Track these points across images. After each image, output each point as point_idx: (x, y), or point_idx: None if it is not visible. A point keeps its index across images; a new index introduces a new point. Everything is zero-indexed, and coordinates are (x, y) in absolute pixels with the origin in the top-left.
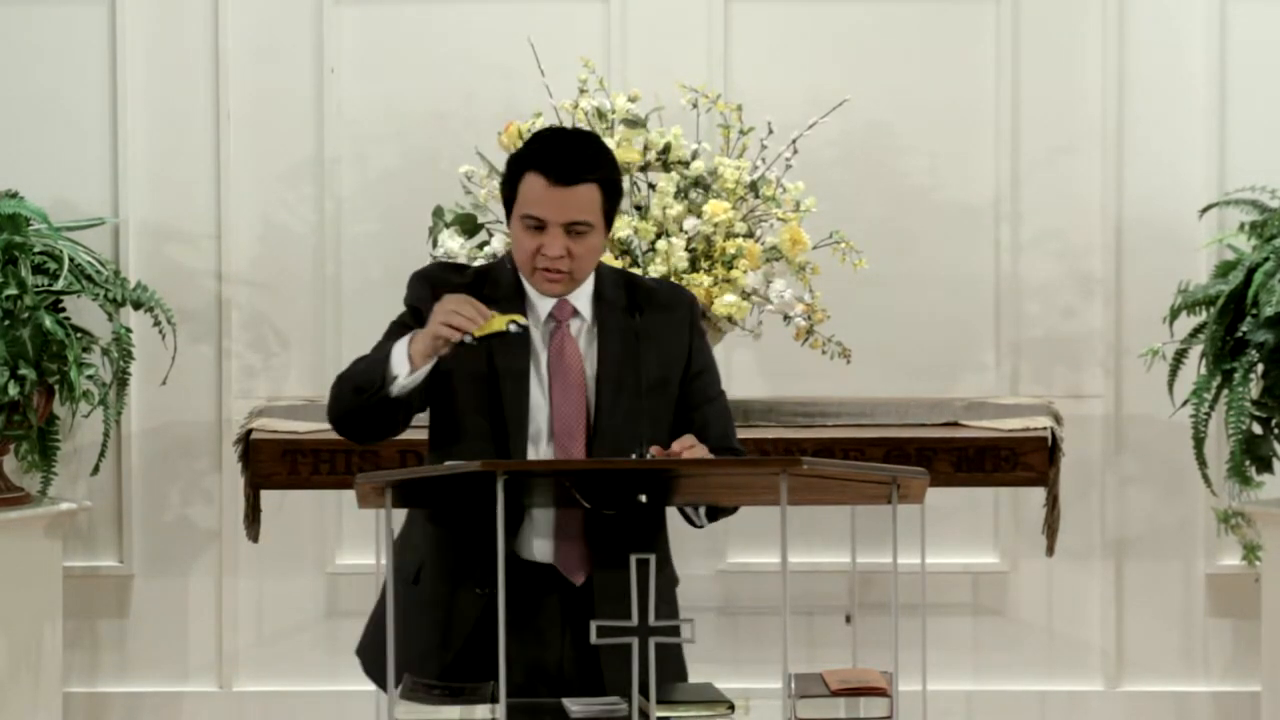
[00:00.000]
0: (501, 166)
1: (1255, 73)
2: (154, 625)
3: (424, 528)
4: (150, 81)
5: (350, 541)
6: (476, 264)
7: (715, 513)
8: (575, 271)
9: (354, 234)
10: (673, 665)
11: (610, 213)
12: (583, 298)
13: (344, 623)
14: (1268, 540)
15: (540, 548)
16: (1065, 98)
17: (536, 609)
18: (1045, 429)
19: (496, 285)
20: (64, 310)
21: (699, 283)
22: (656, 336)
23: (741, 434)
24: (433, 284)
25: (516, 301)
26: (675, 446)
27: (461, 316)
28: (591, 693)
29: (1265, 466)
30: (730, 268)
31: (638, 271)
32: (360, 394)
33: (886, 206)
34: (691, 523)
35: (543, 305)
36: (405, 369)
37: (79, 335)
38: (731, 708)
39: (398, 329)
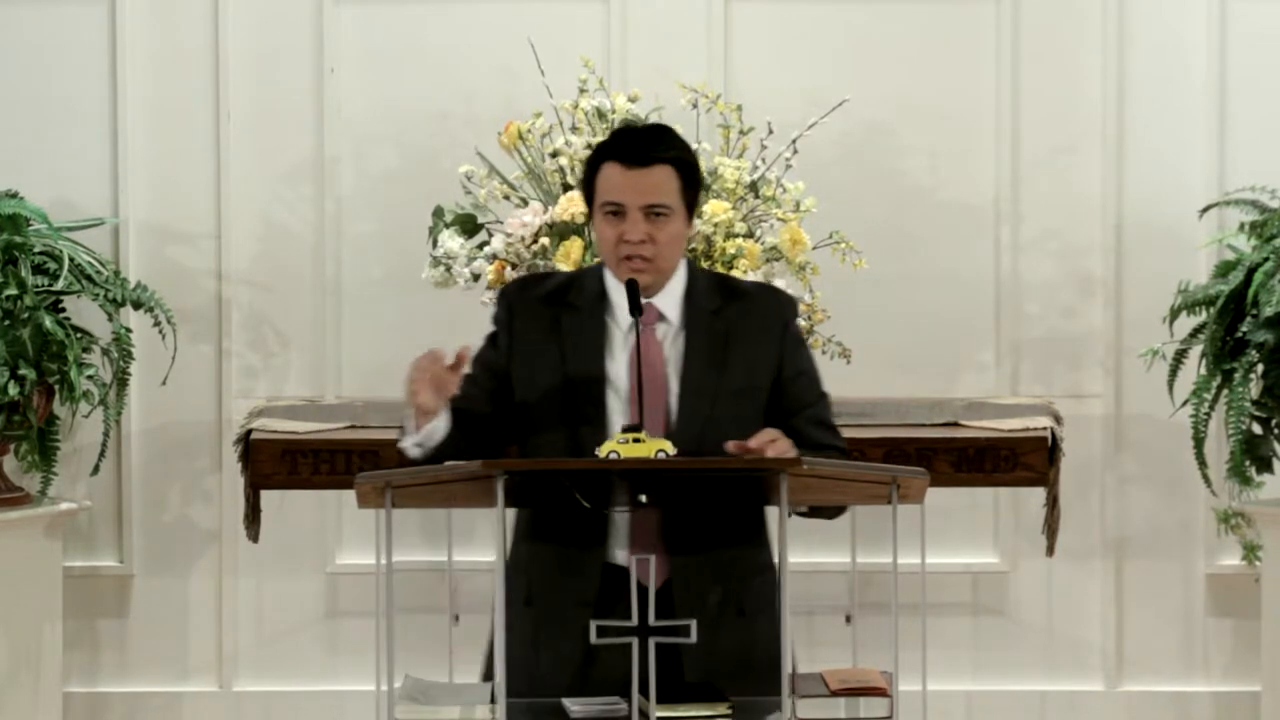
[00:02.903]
0: (501, 167)
1: (1255, 73)
2: (154, 625)
3: (528, 546)
4: (150, 81)
5: (350, 541)
6: (563, 269)
7: (816, 510)
8: (659, 259)
9: (354, 234)
10: (769, 650)
11: (691, 201)
12: (671, 300)
13: (344, 623)
14: (1268, 540)
15: (622, 554)
16: (1065, 98)
17: (613, 613)
18: (1045, 429)
19: (581, 291)
20: (64, 310)
21: None
22: (745, 341)
23: None
24: (509, 302)
25: (599, 306)
26: (753, 443)
27: (414, 390)
28: (674, 695)
29: (1265, 466)
30: (730, 268)
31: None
32: (401, 455)
33: (886, 206)
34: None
35: (626, 306)
36: (411, 427)
37: (79, 335)
38: (731, 708)
39: (486, 345)
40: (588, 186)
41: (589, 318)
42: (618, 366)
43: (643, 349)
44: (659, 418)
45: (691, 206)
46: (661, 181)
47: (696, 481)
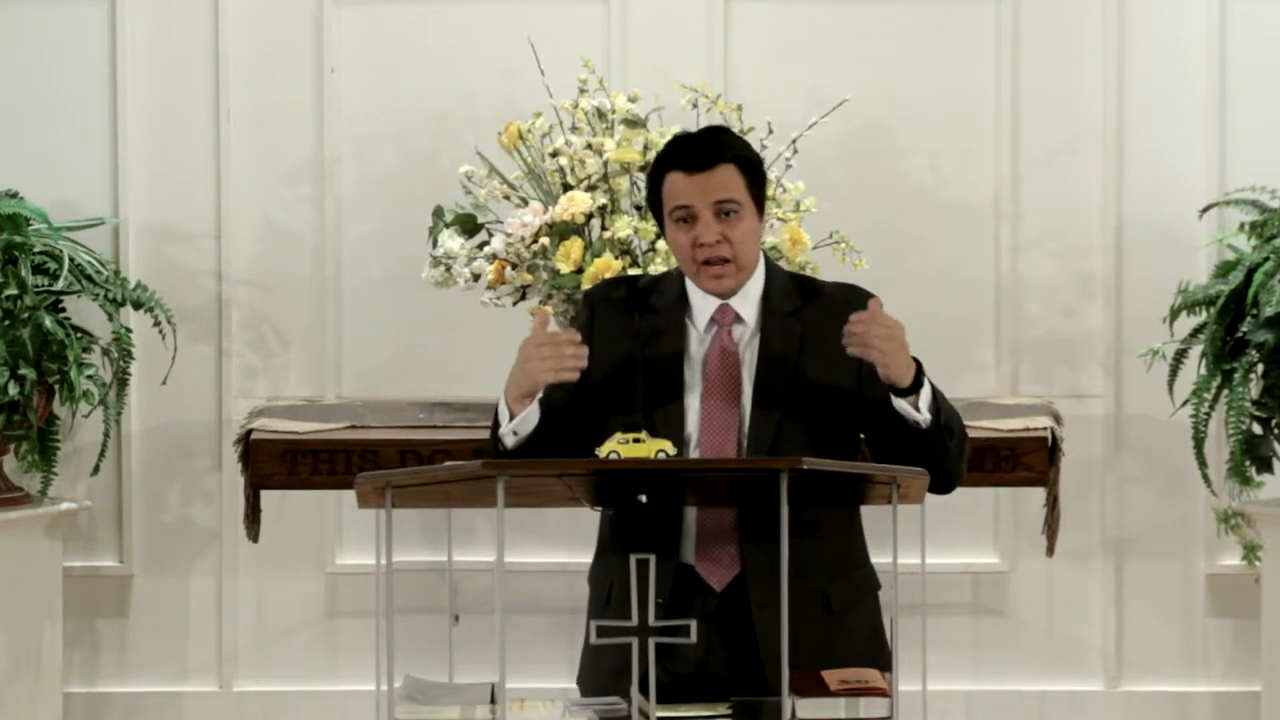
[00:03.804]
0: (501, 167)
1: (1255, 73)
2: (154, 625)
3: (612, 555)
4: (150, 81)
5: (350, 541)
6: (651, 271)
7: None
8: (738, 258)
9: (354, 234)
10: (863, 648)
11: (758, 196)
12: (748, 302)
13: (344, 623)
14: (1268, 540)
15: (689, 552)
16: (1065, 98)
17: (688, 612)
18: (1045, 429)
19: (663, 295)
20: (64, 310)
21: None
22: (822, 341)
23: None
24: (591, 304)
25: (678, 308)
26: (863, 318)
27: (543, 361)
28: (752, 691)
29: (1265, 466)
30: None
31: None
32: (497, 446)
33: (886, 206)
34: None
35: (704, 309)
36: (506, 416)
37: (79, 335)
38: (732, 707)
39: None
40: (654, 200)
41: (667, 319)
42: (693, 367)
43: (719, 350)
44: (732, 421)
45: (760, 203)
46: (727, 180)
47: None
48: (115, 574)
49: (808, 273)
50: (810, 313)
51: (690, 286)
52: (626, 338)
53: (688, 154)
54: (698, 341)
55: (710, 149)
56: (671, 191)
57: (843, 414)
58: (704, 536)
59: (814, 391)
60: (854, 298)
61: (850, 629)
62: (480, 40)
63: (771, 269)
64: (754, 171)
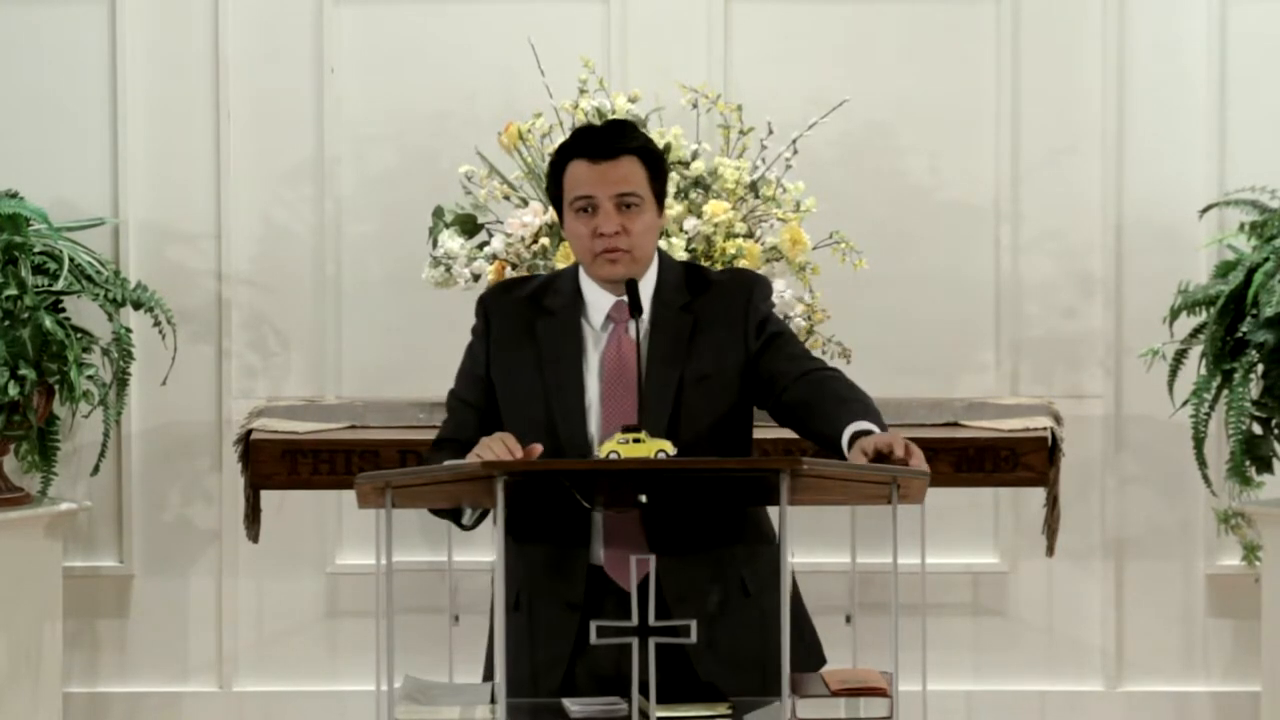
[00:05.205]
0: (501, 166)
1: (1255, 73)
2: (154, 625)
3: (515, 550)
4: (150, 81)
5: (350, 541)
6: (540, 272)
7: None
8: (635, 249)
9: (354, 234)
10: (805, 654)
11: (659, 191)
12: (642, 297)
13: (344, 623)
14: (1268, 540)
15: (602, 553)
16: (1065, 98)
17: (599, 613)
18: (1045, 429)
19: (558, 293)
20: (64, 310)
21: None
22: (712, 328)
23: None
24: (486, 311)
25: (574, 307)
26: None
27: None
28: (684, 689)
29: (1265, 466)
30: None
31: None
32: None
33: (886, 206)
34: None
35: (600, 306)
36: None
37: (79, 335)
38: (732, 708)
39: (466, 357)
40: (554, 189)
41: (563, 320)
42: (591, 367)
43: (615, 348)
44: (630, 416)
45: (660, 197)
46: (629, 172)
47: (693, 482)
48: (115, 574)
49: (807, 273)
50: (701, 304)
51: (585, 283)
52: (524, 342)
53: (592, 143)
54: (594, 340)
55: (614, 139)
56: (573, 181)
57: (736, 398)
58: (611, 537)
59: (703, 377)
60: (740, 282)
61: (767, 612)
62: (480, 40)
63: (664, 264)
64: (657, 166)
